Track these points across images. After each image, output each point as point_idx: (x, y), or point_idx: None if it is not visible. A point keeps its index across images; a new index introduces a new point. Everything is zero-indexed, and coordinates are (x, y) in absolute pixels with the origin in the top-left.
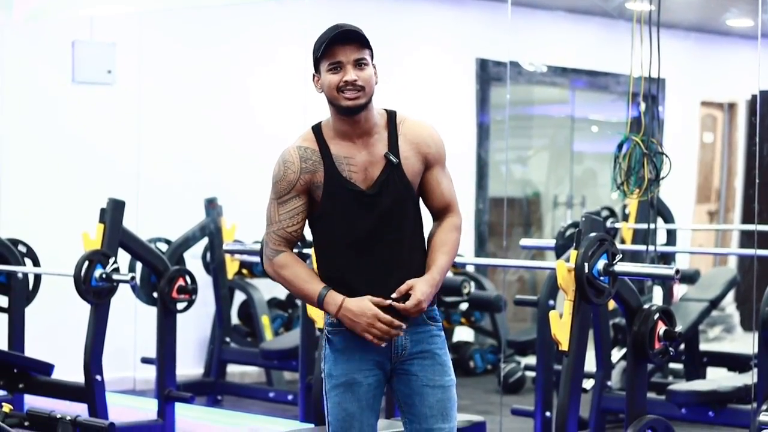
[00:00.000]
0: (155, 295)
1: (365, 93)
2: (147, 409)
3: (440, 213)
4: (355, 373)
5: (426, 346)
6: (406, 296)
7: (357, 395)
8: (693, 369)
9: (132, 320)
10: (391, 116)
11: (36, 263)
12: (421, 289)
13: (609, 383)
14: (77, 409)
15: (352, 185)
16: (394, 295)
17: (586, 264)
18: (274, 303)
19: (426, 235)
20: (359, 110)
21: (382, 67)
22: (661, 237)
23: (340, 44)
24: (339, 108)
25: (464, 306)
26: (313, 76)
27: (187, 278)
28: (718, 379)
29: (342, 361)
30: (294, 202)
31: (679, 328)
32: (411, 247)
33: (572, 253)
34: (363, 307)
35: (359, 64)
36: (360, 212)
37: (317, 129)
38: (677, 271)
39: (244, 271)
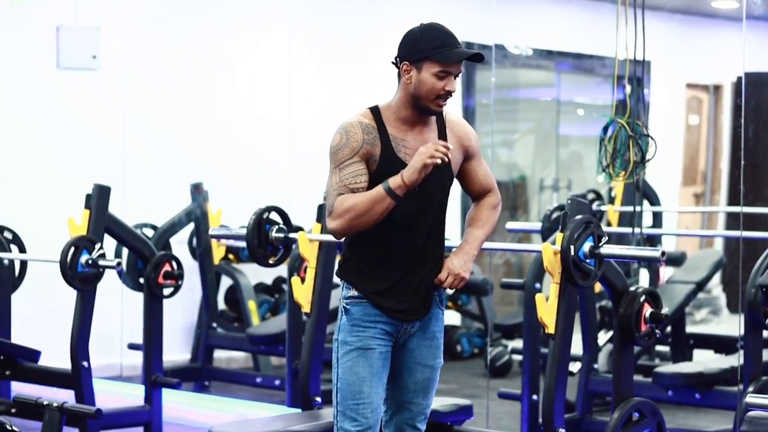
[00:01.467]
0: (141, 280)
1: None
2: (134, 395)
3: (480, 196)
4: (369, 340)
5: (430, 327)
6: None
7: (369, 361)
8: (679, 351)
9: (118, 306)
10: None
11: (22, 249)
12: (452, 260)
13: (596, 366)
14: (64, 396)
15: (402, 165)
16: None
17: (572, 247)
18: (260, 288)
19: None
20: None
21: (366, 50)
22: (647, 219)
23: (460, 61)
24: (424, 109)
25: (450, 290)
26: (404, 63)
27: (174, 264)
28: (704, 361)
29: (356, 331)
30: (356, 166)
31: (665, 311)
32: (441, 231)
33: (558, 235)
34: (424, 149)
35: (457, 75)
36: (410, 193)
37: (376, 110)
38: (663, 254)
39: (231, 256)
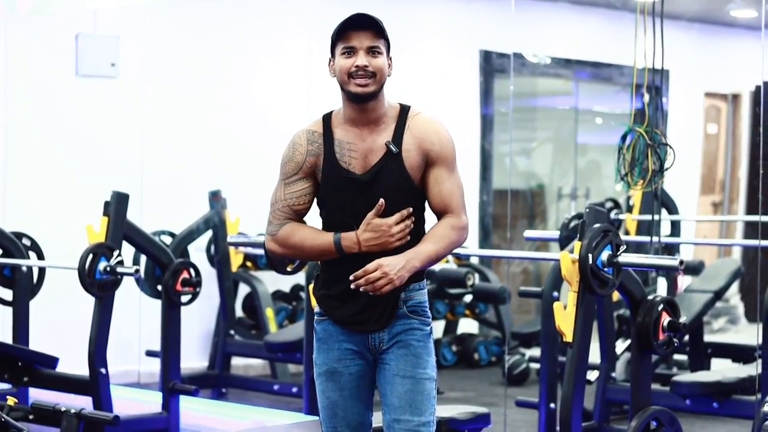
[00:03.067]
0: (159, 288)
1: (375, 80)
2: (151, 402)
3: (439, 215)
4: (334, 362)
5: (402, 337)
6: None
7: (339, 384)
8: (697, 360)
9: (136, 313)
10: (404, 110)
11: (40, 256)
12: (388, 260)
13: (613, 374)
14: (82, 402)
15: (346, 171)
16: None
17: (590, 255)
18: (278, 295)
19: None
20: (369, 98)
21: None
22: (665, 228)
23: (355, 29)
24: (348, 94)
25: (468, 298)
26: (329, 60)
27: (192, 271)
28: (722, 370)
29: (323, 351)
30: (301, 184)
31: (683, 319)
32: (410, 243)
33: (576, 244)
34: (374, 226)
35: (372, 51)
36: (356, 198)
37: (327, 116)
38: (681, 262)
39: (248, 263)
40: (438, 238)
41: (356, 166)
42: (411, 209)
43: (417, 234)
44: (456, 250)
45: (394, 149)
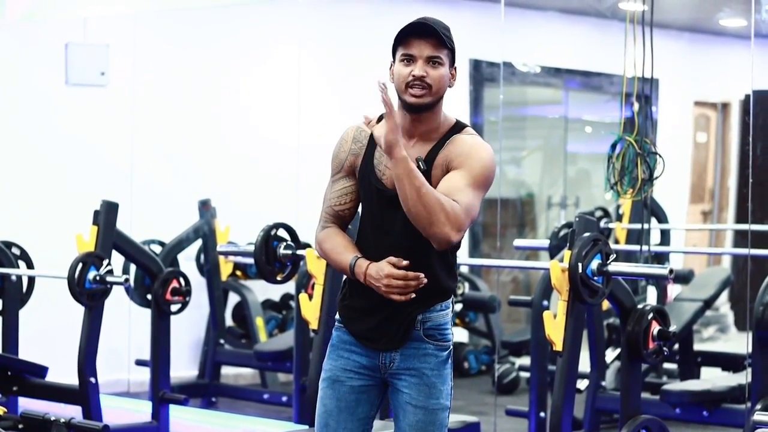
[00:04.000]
0: (149, 297)
1: (431, 92)
2: (141, 411)
3: None
4: (338, 371)
5: (415, 364)
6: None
7: (338, 394)
8: (687, 369)
9: (126, 322)
10: (454, 127)
11: (30, 265)
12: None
13: (603, 383)
14: (71, 412)
15: (377, 181)
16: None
17: (579, 264)
18: (268, 304)
19: (451, 259)
20: (423, 109)
21: (377, 67)
22: (655, 237)
23: (417, 37)
24: (403, 103)
25: (458, 307)
26: (390, 63)
27: (181, 280)
28: (712, 378)
29: (332, 357)
30: (343, 183)
31: (673, 328)
32: (426, 257)
33: (566, 253)
34: (378, 269)
35: (433, 61)
36: (384, 210)
37: (381, 116)
38: (671, 271)
39: (238, 272)
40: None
41: (387, 179)
42: (426, 280)
43: (434, 260)
44: None
45: (422, 166)
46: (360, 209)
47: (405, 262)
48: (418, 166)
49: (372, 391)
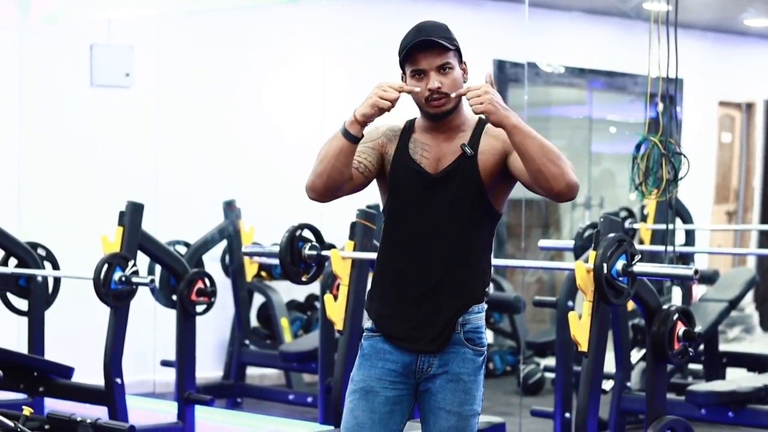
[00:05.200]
0: (174, 297)
1: (450, 99)
2: (167, 412)
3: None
4: (373, 381)
5: (453, 368)
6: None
7: (371, 405)
8: (712, 369)
9: (151, 323)
10: (483, 121)
11: (55, 266)
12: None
13: (628, 384)
14: (97, 412)
15: (417, 165)
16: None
17: (605, 264)
18: (293, 305)
19: (489, 259)
20: (446, 115)
21: (397, 69)
22: (680, 237)
23: (422, 51)
24: (426, 114)
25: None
26: (402, 76)
27: (206, 281)
28: (737, 379)
29: (364, 367)
30: (365, 147)
31: (698, 329)
32: (472, 249)
33: (591, 253)
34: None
35: (443, 69)
36: (424, 195)
37: (411, 120)
38: (696, 272)
39: (263, 273)
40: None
41: (427, 165)
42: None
43: (476, 252)
44: None
45: (468, 151)
46: (384, 206)
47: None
48: (465, 152)
49: (405, 402)
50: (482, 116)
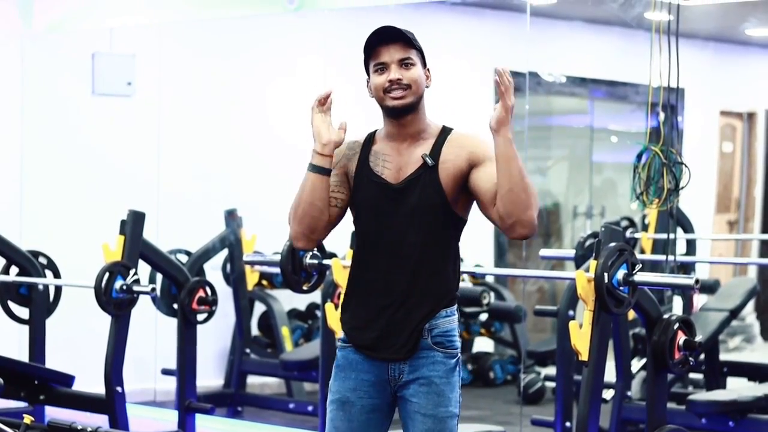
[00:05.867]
0: (175, 306)
1: (412, 92)
2: (167, 421)
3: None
4: (348, 392)
5: (424, 372)
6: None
7: (349, 415)
8: (713, 379)
9: (152, 331)
10: (446, 129)
11: (57, 275)
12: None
13: (629, 393)
14: (98, 421)
15: (378, 177)
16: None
17: (605, 274)
18: (294, 314)
19: (457, 265)
20: (406, 111)
21: None
22: (681, 247)
23: (384, 44)
24: (386, 109)
25: (484, 316)
26: (366, 81)
27: (207, 289)
28: (738, 389)
29: (340, 378)
30: (333, 179)
31: (699, 338)
32: (434, 257)
33: (592, 263)
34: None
35: (405, 63)
36: (388, 206)
37: (371, 133)
38: (697, 281)
39: (264, 282)
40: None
41: (389, 176)
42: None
43: (442, 260)
44: (471, 269)
45: (429, 162)
46: (354, 220)
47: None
48: (425, 162)
49: (383, 410)
50: (445, 127)
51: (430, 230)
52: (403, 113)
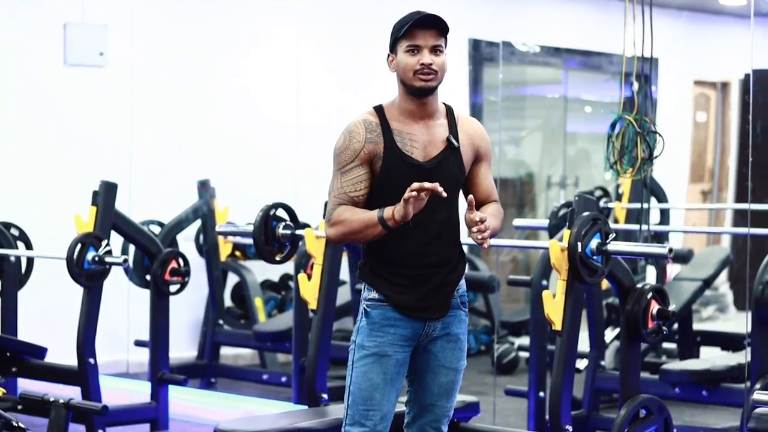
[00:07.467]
0: (148, 277)
1: (437, 77)
2: (140, 392)
3: (483, 202)
4: (387, 346)
5: (454, 330)
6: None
7: (384, 368)
8: (686, 348)
9: (125, 303)
10: (450, 108)
11: (28, 246)
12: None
13: (602, 363)
14: (70, 393)
15: (410, 158)
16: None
17: (579, 243)
18: (267, 285)
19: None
20: (429, 92)
21: (375, 48)
22: (655, 216)
23: (421, 28)
24: (411, 89)
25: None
26: (388, 55)
27: (180, 260)
28: (711, 358)
29: (378, 334)
30: (357, 171)
31: (672, 308)
32: (454, 228)
33: (565, 232)
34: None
35: (436, 50)
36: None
37: (380, 108)
38: (670, 251)
39: (237, 253)
40: (496, 217)
41: (417, 155)
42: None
43: (459, 230)
44: None
45: (455, 143)
46: (373, 196)
47: (440, 190)
48: (451, 143)
49: (407, 362)
50: (446, 104)
51: (452, 205)
52: (426, 94)
